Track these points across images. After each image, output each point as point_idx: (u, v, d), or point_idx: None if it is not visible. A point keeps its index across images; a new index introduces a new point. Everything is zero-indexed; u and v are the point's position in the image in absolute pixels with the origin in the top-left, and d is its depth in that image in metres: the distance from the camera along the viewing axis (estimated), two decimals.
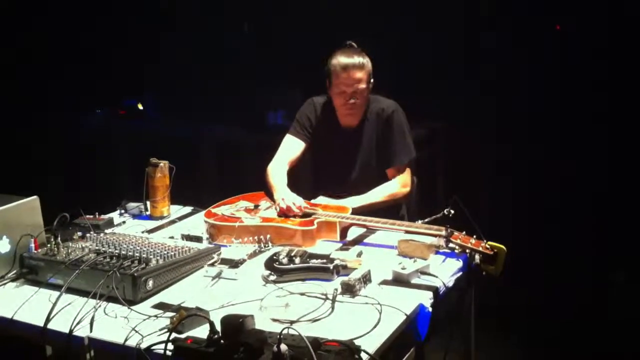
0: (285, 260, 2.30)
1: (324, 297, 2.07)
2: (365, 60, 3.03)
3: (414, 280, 2.22)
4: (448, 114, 4.97)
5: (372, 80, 3.08)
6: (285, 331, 1.71)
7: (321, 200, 2.93)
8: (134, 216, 3.07)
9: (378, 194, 3.04)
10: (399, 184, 3.10)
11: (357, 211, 2.82)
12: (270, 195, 3.02)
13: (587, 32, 4.75)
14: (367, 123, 3.14)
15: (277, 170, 3.10)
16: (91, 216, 2.84)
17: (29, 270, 2.31)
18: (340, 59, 3.02)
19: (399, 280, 2.21)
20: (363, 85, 3.02)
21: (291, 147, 3.20)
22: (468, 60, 5.02)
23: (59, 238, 2.39)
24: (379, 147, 3.14)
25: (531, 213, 4.71)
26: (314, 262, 2.29)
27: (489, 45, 4.99)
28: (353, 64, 2.99)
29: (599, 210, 4.61)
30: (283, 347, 1.65)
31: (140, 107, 6.14)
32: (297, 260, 2.30)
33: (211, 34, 5.94)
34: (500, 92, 4.91)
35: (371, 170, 3.14)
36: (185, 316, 1.86)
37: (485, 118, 4.96)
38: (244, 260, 2.41)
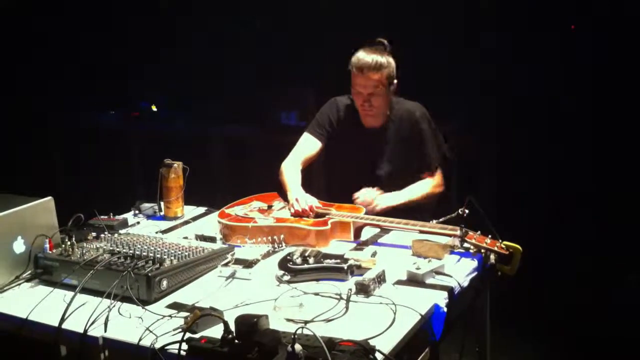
0: (299, 261, 2.29)
1: (338, 297, 2.07)
2: (384, 61, 2.94)
3: (429, 280, 2.20)
4: (461, 114, 4.95)
5: (395, 82, 3.01)
6: (299, 331, 1.70)
7: (364, 192, 2.90)
8: (148, 217, 3.08)
9: (415, 192, 3.02)
10: (433, 184, 3.10)
11: (392, 211, 2.83)
12: (283, 193, 3.00)
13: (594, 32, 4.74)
14: (392, 124, 3.09)
15: (291, 169, 3.07)
16: (105, 217, 2.85)
17: (43, 270, 2.32)
18: (358, 59, 2.94)
19: (414, 280, 2.20)
20: (379, 88, 2.95)
21: (307, 146, 3.16)
22: (482, 59, 4.98)
23: (74, 238, 2.40)
24: (405, 148, 3.09)
25: (540, 212, 4.70)
26: (328, 262, 2.28)
27: (491, 45, 4.95)
28: (369, 65, 2.91)
29: (607, 207, 4.59)
30: (297, 347, 1.64)
31: (154, 108, 6.18)
32: (311, 260, 2.29)
33: (225, 32, 5.94)
34: (513, 91, 4.87)
35: (396, 171, 3.09)
36: (199, 316, 1.86)
37: (500, 117, 4.93)
38: (258, 261, 2.41)
